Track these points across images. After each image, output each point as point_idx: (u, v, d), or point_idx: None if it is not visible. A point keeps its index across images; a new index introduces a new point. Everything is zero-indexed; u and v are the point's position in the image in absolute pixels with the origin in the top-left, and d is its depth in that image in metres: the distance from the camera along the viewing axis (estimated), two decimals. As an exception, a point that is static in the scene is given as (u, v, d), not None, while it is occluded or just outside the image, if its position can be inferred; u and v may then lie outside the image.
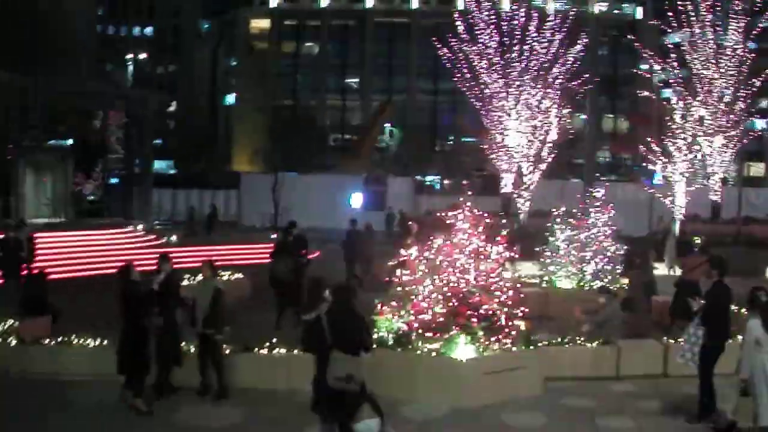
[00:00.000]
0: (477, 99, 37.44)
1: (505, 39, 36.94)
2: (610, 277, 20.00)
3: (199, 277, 15.32)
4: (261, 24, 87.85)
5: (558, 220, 21.38)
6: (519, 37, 36.63)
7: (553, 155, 35.45)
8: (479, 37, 36.86)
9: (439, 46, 38.34)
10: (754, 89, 35.46)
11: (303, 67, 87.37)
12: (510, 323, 12.96)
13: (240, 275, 22.83)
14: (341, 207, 47.08)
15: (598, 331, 14.50)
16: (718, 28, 35.51)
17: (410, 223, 26.53)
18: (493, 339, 12.74)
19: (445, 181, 69.38)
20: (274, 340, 13.77)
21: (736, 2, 35.44)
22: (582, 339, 14.26)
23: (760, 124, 43.08)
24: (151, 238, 34.65)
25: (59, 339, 14.31)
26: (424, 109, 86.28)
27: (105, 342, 13.89)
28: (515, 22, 36.88)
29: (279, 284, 18.44)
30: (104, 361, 12.80)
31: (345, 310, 9.87)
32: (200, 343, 13.03)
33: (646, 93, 38.82)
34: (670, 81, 35.71)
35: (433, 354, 12.58)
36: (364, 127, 70.88)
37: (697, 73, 35.05)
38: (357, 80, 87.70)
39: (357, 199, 51.55)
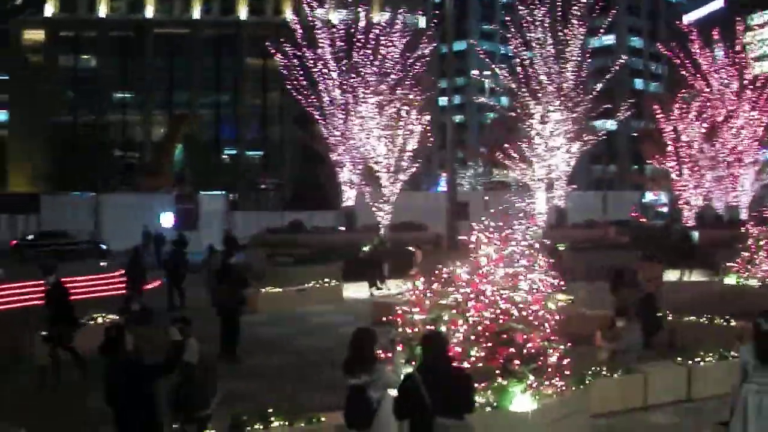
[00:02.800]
0: (315, 109, 35.24)
1: (339, 48, 34.82)
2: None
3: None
4: (35, 35, 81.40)
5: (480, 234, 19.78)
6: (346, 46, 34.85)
7: (415, 165, 34.12)
8: (306, 48, 34.44)
9: (222, 57, 34.61)
10: (597, 90, 35.76)
11: (81, 82, 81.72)
12: (561, 360, 11.14)
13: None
14: (151, 227, 44.83)
15: (620, 358, 13.03)
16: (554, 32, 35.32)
17: (414, 250, 24.48)
18: (546, 382, 10.85)
19: (231, 196, 66.62)
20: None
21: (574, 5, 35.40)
22: (604, 369, 12.71)
23: (604, 125, 43.65)
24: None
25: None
26: (208, 123, 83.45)
27: None
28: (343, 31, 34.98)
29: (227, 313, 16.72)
30: None
31: (442, 365, 7.82)
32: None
33: (482, 99, 38.38)
34: (506, 88, 35.32)
35: (488, 409, 10.48)
36: (161, 143, 67.09)
37: (535, 76, 34.67)
38: (137, 94, 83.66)
39: (167, 219, 48.36)
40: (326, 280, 26.12)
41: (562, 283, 12.93)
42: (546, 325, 11.25)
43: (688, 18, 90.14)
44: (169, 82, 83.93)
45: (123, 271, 23.44)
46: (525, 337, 10.96)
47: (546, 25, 34.32)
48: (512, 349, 10.90)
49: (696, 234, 33.48)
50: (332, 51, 35.04)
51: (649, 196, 78.07)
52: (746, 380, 9.07)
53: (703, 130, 38.14)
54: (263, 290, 23.82)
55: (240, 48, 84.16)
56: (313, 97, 35.47)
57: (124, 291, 23.16)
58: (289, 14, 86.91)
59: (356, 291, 27.20)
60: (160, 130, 79.47)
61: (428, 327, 11.47)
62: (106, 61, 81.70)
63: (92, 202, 45.01)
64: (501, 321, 11.10)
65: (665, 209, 74.25)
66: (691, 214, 38.15)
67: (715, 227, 37.94)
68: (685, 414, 12.54)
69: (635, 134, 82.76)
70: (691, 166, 37.99)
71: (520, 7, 34.57)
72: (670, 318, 16.70)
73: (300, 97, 35.45)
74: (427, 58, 35.71)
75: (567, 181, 36.18)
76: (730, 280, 23.30)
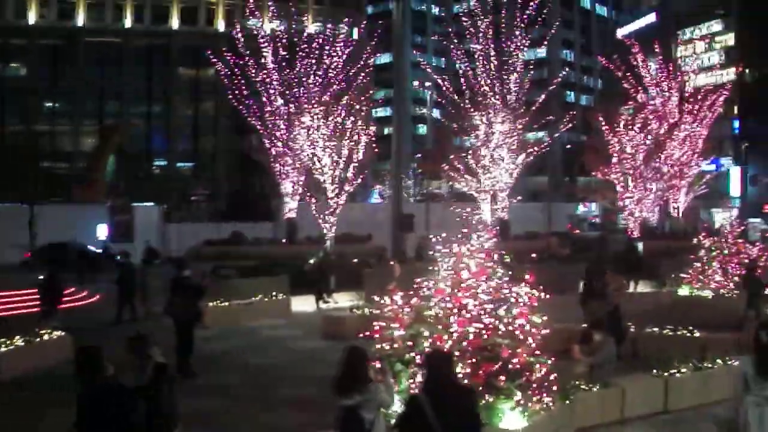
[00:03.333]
0: (257, 119, 34.55)
1: (280, 58, 34.23)
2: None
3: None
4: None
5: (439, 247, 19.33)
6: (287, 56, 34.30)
7: (361, 176, 33.59)
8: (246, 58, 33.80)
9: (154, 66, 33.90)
10: (540, 102, 35.75)
11: (9, 90, 78.92)
12: (548, 376, 10.76)
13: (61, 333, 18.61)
14: (87, 239, 44.09)
15: (597, 372, 12.70)
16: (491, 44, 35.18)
17: (391, 263, 23.81)
18: (534, 398, 10.46)
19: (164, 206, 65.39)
20: None
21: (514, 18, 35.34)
22: (582, 383, 12.38)
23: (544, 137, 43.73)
24: None
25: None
26: (139, 133, 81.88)
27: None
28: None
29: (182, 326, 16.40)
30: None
31: (449, 385, 7.32)
32: None
33: (424, 110, 38.04)
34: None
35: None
36: (94, 153, 65.47)
37: (477, 88, 34.43)
38: (67, 104, 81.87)
39: (102, 230, 47.13)
40: (274, 293, 25.42)
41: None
42: (530, 339, 10.86)
43: (622, 32, 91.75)
44: (99, 91, 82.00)
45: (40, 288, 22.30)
46: (510, 352, 10.57)
47: (489, 36, 34.13)
48: (497, 365, 10.50)
49: (641, 245, 33.66)
50: (273, 61, 34.38)
51: (580, 208, 78.98)
52: (747, 391, 8.90)
53: (648, 143, 38.47)
54: (210, 304, 22.92)
55: (172, 58, 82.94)
56: (255, 107, 34.74)
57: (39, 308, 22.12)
58: (221, 24, 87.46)
59: (303, 304, 26.61)
60: (90, 141, 77.64)
61: (408, 343, 11.01)
62: (35, 69, 79.59)
63: (26, 213, 43.53)
64: (485, 336, 10.68)
65: (597, 220, 75.23)
66: (635, 225, 38.40)
67: (658, 238, 38.26)
68: (662, 426, 12.37)
69: (569, 146, 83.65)
70: (635, 178, 38.26)
71: (464, 19, 34.30)
72: (632, 329, 16.58)
73: (241, 106, 34.68)
74: (369, 69, 35.34)
75: (508, 192, 36.02)
76: (684, 291, 23.25)
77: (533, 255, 25.87)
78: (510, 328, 10.82)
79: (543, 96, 36.76)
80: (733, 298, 21.76)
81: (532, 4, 34.90)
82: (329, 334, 20.99)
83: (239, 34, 34.36)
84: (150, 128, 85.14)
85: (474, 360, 10.47)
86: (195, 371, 16.05)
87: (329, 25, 35.89)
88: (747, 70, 43.36)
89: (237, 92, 34.51)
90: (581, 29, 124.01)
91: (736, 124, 66.84)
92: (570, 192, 77.17)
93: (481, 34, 34.29)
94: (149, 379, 8.27)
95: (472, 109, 33.81)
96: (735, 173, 69.43)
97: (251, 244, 36.47)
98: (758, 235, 43.35)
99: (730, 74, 58.38)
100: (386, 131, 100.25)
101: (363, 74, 34.37)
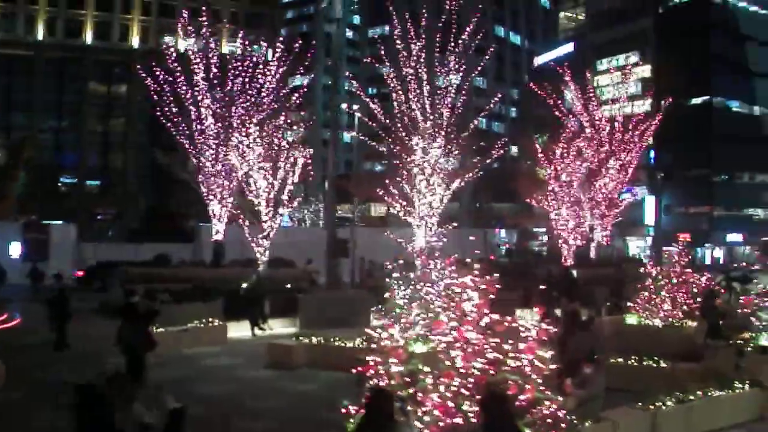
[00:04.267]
0: (186, 138, 33.40)
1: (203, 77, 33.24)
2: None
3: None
4: None
5: (395, 274, 18.55)
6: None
7: (298, 198, 32.59)
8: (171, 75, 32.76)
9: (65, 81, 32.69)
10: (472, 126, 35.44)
11: None
12: (557, 412, 10.12)
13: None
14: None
15: (588, 405, 12.13)
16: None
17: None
18: (544, 437, 9.83)
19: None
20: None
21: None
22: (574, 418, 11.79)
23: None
24: None
25: None
26: (47, 148, 79.07)
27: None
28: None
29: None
30: None
31: (507, 425, 7.30)
32: None
33: (353, 133, 37.29)
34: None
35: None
36: (4, 168, 62.67)
37: (408, 113, 33.76)
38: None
39: (16, 248, 44.99)
40: (210, 319, 24.28)
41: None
42: (536, 375, 10.22)
43: (538, 60, 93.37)
44: (7, 103, 78.96)
45: None
46: (517, 389, 9.91)
47: (421, 60, 33.63)
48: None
49: (574, 272, 33.61)
50: (203, 78, 33.32)
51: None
52: None
53: (582, 171, 38.70)
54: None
55: (84, 72, 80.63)
56: (183, 125, 33.51)
57: None
58: (135, 41, 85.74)
59: (238, 330, 25.58)
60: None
61: (406, 379, 10.26)
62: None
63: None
64: (492, 372, 10.00)
65: (509, 247, 75.55)
66: (569, 253, 38.40)
67: (591, 265, 38.37)
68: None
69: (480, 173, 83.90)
70: (571, 206, 38.37)
71: (398, 42, 33.70)
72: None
73: (169, 124, 33.42)
74: (304, 89, 34.60)
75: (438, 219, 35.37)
76: (631, 319, 23.13)
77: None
78: (518, 363, 10.17)
79: (475, 122, 36.53)
80: (683, 327, 21.80)
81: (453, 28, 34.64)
82: (275, 362, 20.04)
83: (171, 50, 33.19)
84: (58, 143, 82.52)
85: (480, 397, 9.81)
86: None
87: (245, 45, 34.92)
88: (662, 102, 44.11)
89: (165, 109, 33.18)
90: (495, 56, 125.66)
91: (652, 154, 68.38)
92: (480, 218, 77.33)
93: (413, 58, 33.69)
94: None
95: (403, 133, 33.13)
96: (650, 202, 70.88)
97: (176, 266, 35.02)
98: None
99: (645, 105, 59.56)
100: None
101: (296, 95, 33.66)
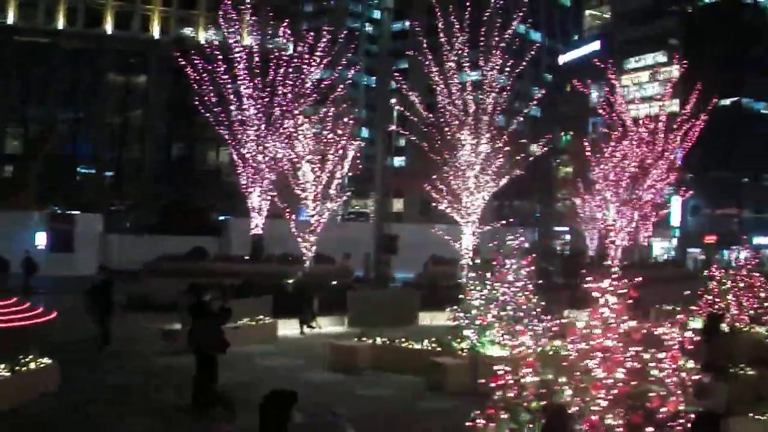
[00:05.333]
0: (225, 129, 32.71)
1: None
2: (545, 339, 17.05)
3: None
4: None
5: (472, 273, 17.83)
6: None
7: (348, 192, 31.88)
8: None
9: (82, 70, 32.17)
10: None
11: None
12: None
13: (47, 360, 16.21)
14: (23, 248, 39.37)
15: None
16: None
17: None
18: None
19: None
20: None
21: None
22: None
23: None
24: None
25: None
26: (63, 137, 78.06)
27: None
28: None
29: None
30: None
31: None
32: None
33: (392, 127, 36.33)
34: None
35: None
36: (23, 158, 62.03)
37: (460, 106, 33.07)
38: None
39: (41, 239, 44.62)
40: (260, 317, 23.49)
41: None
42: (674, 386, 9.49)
43: (564, 59, 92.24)
44: (25, 92, 78.04)
45: None
46: (660, 401, 9.18)
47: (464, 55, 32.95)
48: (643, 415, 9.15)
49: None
50: (245, 69, 32.65)
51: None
52: None
53: (630, 170, 37.96)
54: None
55: (103, 63, 79.73)
56: (222, 116, 32.82)
57: None
58: (156, 32, 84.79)
59: (287, 328, 24.75)
60: (14, 143, 73.93)
61: (541, 391, 9.52)
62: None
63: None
64: (633, 383, 9.26)
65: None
66: (617, 254, 37.57)
67: (638, 268, 37.56)
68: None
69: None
70: (619, 207, 37.64)
71: (421, 39, 33.12)
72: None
73: (208, 114, 32.73)
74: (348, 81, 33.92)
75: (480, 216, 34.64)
76: (695, 324, 22.41)
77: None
78: (662, 374, 9.43)
79: (520, 117, 35.93)
80: (750, 331, 21.19)
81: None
82: (339, 365, 19.18)
83: (214, 40, 32.60)
84: (75, 134, 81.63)
85: (623, 411, 9.09)
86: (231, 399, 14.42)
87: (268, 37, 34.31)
88: (689, 102, 43.36)
89: (206, 100, 32.49)
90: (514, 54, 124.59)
91: (680, 154, 67.37)
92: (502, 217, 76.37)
93: (457, 53, 33.03)
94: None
95: (452, 129, 32.41)
96: (676, 203, 69.91)
97: (214, 260, 34.27)
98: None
99: (673, 106, 58.83)
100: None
101: (341, 87, 32.99)
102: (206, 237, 45.89)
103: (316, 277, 28.64)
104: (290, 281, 27.43)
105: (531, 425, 9.36)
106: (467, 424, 9.78)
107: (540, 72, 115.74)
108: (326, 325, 26.16)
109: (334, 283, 29.35)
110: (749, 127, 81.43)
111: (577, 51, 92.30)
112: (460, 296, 17.87)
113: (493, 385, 9.87)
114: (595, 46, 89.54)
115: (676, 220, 72.07)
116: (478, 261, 17.92)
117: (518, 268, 17.47)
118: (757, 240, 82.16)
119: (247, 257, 34.67)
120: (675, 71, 74.81)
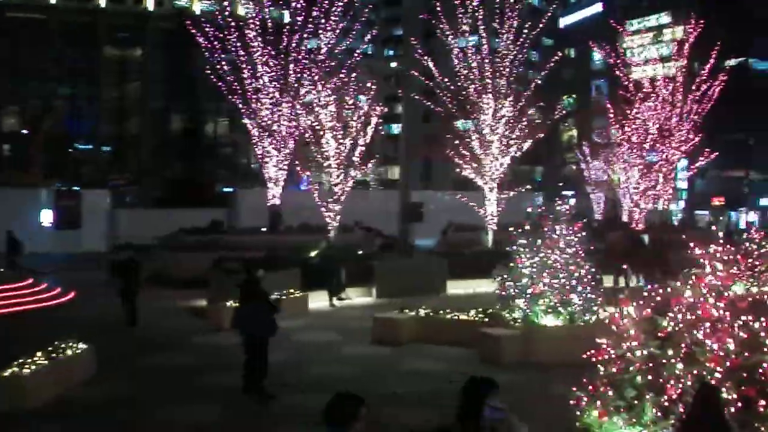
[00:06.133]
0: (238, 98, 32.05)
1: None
2: (596, 307, 16.60)
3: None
4: None
5: (522, 240, 17.24)
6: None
7: (373, 160, 31.24)
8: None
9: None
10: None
11: None
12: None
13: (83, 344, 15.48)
14: (29, 226, 39.83)
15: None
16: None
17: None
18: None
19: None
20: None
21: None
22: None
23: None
24: None
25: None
26: (59, 114, 76.82)
27: None
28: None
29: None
30: None
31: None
32: None
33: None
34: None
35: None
36: (28, 137, 61.29)
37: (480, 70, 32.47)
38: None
39: (47, 216, 43.99)
40: (291, 290, 22.90)
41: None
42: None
43: (565, 21, 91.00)
44: (19, 69, 76.70)
45: None
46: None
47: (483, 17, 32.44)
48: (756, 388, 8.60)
49: (645, 238, 32.25)
50: (254, 37, 31.93)
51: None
52: None
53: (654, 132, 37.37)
54: (227, 304, 19.98)
55: (98, 37, 78.50)
56: (235, 84, 32.11)
57: None
58: (150, 4, 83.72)
59: (316, 301, 24.17)
60: (11, 122, 72.89)
61: (648, 365, 8.98)
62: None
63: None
64: (746, 354, 8.74)
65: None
66: (641, 218, 37.08)
67: (657, 230, 37.05)
68: None
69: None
70: (642, 169, 37.07)
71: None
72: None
73: (221, 83, 32.03)
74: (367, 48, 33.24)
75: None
76: (738, 288, 21.83)
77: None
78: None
79: (537, 80, 35.37)
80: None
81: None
82: (380, 338, 18.59)
83: (227, 7, 31.84)
84: (73, 109, 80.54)
85: (738, 384, 8.57)
86: (272, 393, 13.73)
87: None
88: (696, 64, 42.73)
89: (218, 68, 31.77)
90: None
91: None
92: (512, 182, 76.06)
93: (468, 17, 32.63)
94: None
95: (474, 94, 31.83)
96: (683, 165, 69.28)
97: (233, 233, 33.62)
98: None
99: (673, 68, 58.32)
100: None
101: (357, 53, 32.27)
102: (215, 209, 45.25)
103: (340, 248, 28.04)
104: (314, 253, 26.82)
105: (636, 401, 8.85)
106: (571, 402, 9.28)
107: (539, 36, 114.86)
108: (354, 297, 25.63)
109: (360, 252, 28.77)
110: (757, 88, 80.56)
111: (578, 13, 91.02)
112: (510, 264, 17.29)
113: (593, 360, 9.35)
114: (598, 8, 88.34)
115: (682, 182, 71.52)
116: (527, 227, 17.30)
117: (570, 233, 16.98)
118: (764, 201, 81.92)
119: (263, 229, 34.03)
120: (678, 32, 74.26)
